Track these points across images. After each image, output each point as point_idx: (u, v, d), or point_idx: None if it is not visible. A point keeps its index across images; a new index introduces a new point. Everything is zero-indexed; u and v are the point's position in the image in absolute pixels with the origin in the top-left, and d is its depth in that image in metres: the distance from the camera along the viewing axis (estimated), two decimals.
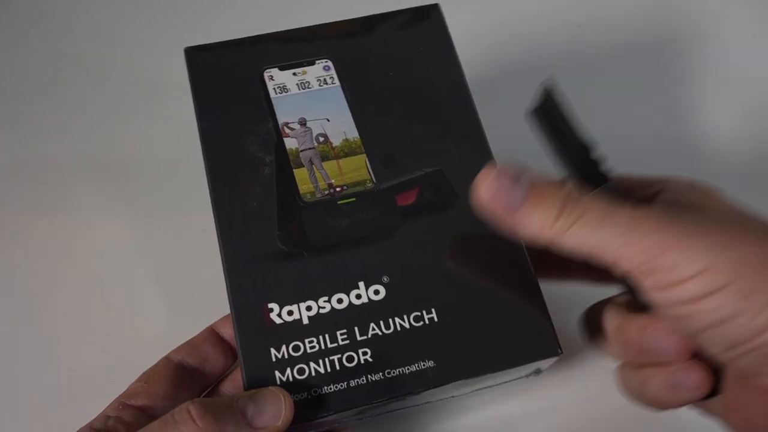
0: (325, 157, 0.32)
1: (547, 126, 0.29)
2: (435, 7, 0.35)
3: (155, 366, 0.33)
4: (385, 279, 0.30)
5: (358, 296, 0.29)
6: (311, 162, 0.32)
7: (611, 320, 0.29)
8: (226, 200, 0.31)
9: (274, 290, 0.29)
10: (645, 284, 0.25)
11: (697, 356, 0.27)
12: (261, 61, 0.34)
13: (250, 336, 0.28)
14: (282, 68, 0.34)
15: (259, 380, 0.28)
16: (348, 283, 0.29)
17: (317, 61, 0.34)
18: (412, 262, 0.30)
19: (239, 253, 0.30)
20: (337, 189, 0.31)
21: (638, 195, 0.30)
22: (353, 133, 0.32)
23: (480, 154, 0.32)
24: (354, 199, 0.31)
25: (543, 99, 0.29)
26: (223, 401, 0.27)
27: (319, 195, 0.31)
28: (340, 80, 0.33)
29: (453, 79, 0.34)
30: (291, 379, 0.28)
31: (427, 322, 0.29)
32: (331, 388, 0.28)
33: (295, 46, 0.34)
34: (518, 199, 0.26)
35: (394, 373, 0.28)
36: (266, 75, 0.33)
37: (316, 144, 0.32)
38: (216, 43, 0.34)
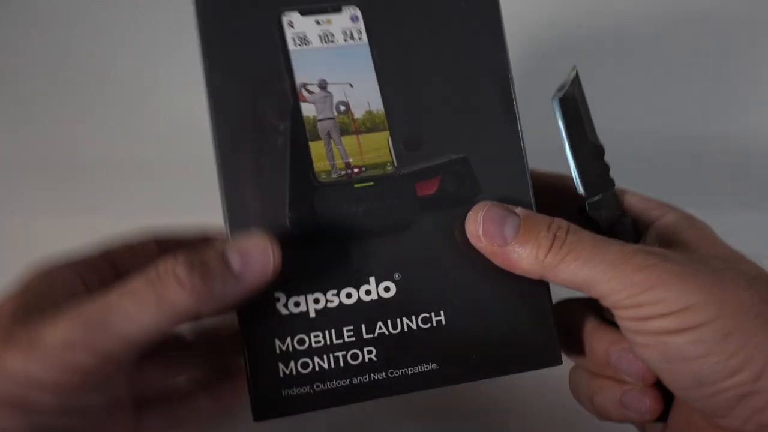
0: (344, 131, 0.29)
1: (571, 116, 0.28)
2: None
3: (140, 238, 0.32)
4: (397, 276, 0.29)
5: (368, 292, 0.28)
6: (329, 135, 0.29)
7: (583, 324, 0.30)
8: (235, 171, 0.28)
9: (282, 278, 0.28)
10: (624, 315, 0.26)
11: (654, 383, 0.28)
12: (279, 0, 0.29)
13: (254, 326, 0.28)
14: (304, 13, 0.29)
15: (262, 372, 0.28)
16: (358, 278, 0.28)
17: (344, 8, 0.30)
18: (425, 259, 0.29)
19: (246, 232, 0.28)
20: (355, 170, 0.29)
21: (639, 217, 0.31)
22: (378, 105, 0.29)
23: (511, 147, 0.30)
24: (372, 183, 0.29)
25: (572, 86, 0.28)
26: (209, 257, 0.26)
27: (335, 175, 0.29)
28: (368, 35, 0.29)
29: (495, 55, 0.30)
30: (294, 372, 0.28)
31: (434, 324, 0.29)
32: (333, 384, 0.28)
33: None
34: (509, 235, 0.27)
35: (397, 373, 0.29)
36: (285, 20, 0.29)
37: (336, 113, 0.29)
38: None
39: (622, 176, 0.44)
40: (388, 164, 0.29)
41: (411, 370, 0.29)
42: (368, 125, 0.29)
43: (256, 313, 0.28)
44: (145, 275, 0.25)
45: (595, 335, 0.30)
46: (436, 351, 0.29)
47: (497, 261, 0.28)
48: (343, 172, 0.29)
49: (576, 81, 0.29)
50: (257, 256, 0.26)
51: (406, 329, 0.29)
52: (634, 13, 0.49)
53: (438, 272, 0.29)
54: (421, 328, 0.29)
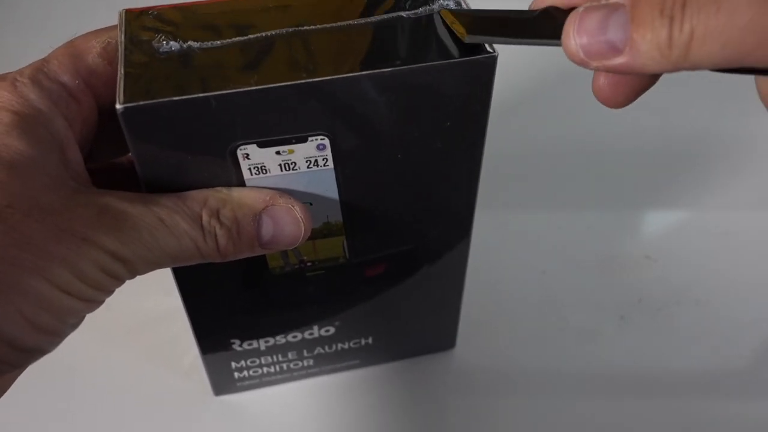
0: None
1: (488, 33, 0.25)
2: (488, 65, 0.24)
3: (114, 34, 0.26)
4: (337, 323, 0.33)
5: (311, 333, 0.33)
6: None
7: None
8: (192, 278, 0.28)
9: (237, 332, 0.32)
10: None
11: None
12: (233, 132, 0.24)
13: (213, 354, 0.33)
14: (262, 145, 0.24)
15: (221, 377, 0.34)
16: (304, 328, 0.33)
17: (310, 138, 0.24)
18: (364, 310, 0.33)
19: (203, 305, 0.30)
20: (308, 264, 0.29)
21: None
22: (336, 217, 0.28)
23: (460, 232, 0.31)
24: (323, 271, 0.30)
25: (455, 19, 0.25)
26: (245, 220, 0.25)
27: (288, 269, 0.29)
28: (335, 162, 0.25)
29: (468, 165, 0.27)
30: (247, 375, 0.34)
31: (363, 344, 0.35)
32: (278, 378, 0.36)
33: (282, 111, 0.23)
34: (619, 39, 0.20)
35: (327, 368, 0.36)
36: (240, 153, 0.24)
37: None
38: (168, 101, 0.22)
39: (622, 176, 0.44)
40: (341, 257, 0.30)
41: (339, 365, 0.36)
42: (325, 233, 0.28)
43: (214, 345, 0.32)
44: (189, 215, 0.24)
45: None
46: (361, 355, 0.36)
47: (621, 74, 0.22)
48: (296, 266, 0.29)
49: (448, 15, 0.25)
50: (288, 227, 0.26)
51: (339, 349, 0.35)
52: None
53: (374, 315, 0.34)
54: (352, 348, 0.35)
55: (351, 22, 0.25)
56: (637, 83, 0.23)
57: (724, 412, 0.36)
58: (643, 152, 0.49)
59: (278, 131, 0.24)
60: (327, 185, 0.26)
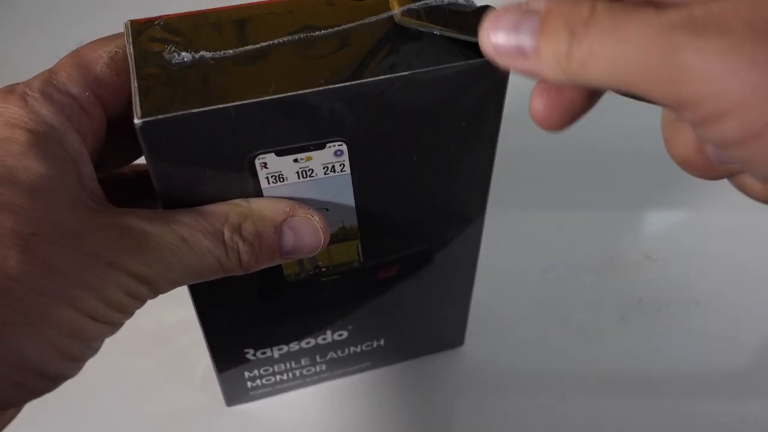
0: None
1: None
2: (499, 85, 0.24)
3: (121, 44, 0.25)
4: (350, 327, 0.33)
5: (324, 339, 0.33)
6: None
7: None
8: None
9: (251, 341, 0.32)
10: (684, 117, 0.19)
11: None
12: (252, 141, 0.23)
13: (227, 365, 0.33)
14: (280, 153, 0.24)
15: (233, 387, 0.34)
16: (317, 333, 0.33)
17: (328, 144, 0.24)
18: (377, 312, 0.33)
19: (217, 315, 0.30)
20: (323, 269, 0.29)
21: None
22: (352, 221, 0.28)
23: (473, 230, 0.31)
24: (338, 276, 0.30)
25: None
26: (267, 232, 0.25)
27: (303, 275, 0.29)
28: (351, 167, 0.25)
29: (481, 164, 0.28)
30: (260, 384, 0.34)
31: (375, 347, 0.35)
32: (291, 384, 0.36)
33: (301, 118, 0.23)
34: (527, 46, 0.20)
35: (339, 372, 0.36)
36: (258, 162, 0.24)
37: None
38: (188, 113, 0.22)
39: (622, 176, 0.44)
40: (355, 261, 0.30)
41: (350, 369, 0.36)
42: (340, 237, 0.28)
43: (228, 356, 0.32)
44: (211, 233, 0.24)
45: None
46: (373, 358, 0.36)
47: (528, 76, 0.21)
48: (312, 272, 0.29)
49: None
50: (308, 237, 0.26)
51: (352, 353, 0.35)
52: None
53: (387, 316, 0.34)
54: (364, 351, 0.35)
55: (360, 22, 0.25)
56: (572, 108, 0.23)
57: (724, 412, 0.36)
58: (643, 152, 0.49)
59: (297, 139, 0.24)
60: (343, 190, 0.26)
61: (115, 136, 0.26)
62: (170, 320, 0.39)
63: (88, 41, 0.26)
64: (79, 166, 0.23)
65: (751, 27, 0.16)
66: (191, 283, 0.25)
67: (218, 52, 0.24)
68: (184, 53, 0.24)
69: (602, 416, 0.36)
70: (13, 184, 0.21)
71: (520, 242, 0.45)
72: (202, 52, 0.24)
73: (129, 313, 0.23)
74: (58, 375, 0.22)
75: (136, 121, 0.22)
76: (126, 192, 0.30)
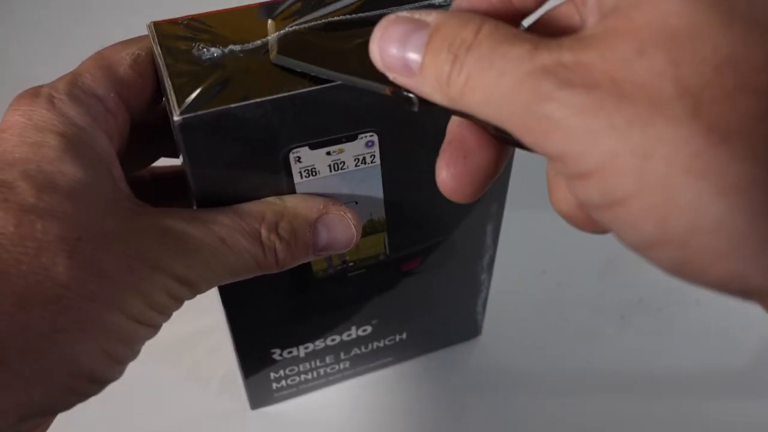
0: None
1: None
2: None
3: (145, 46, 0.25)
4: (374, 321, 0.33)
5: (349, 335, 0.33)
6: None
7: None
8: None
9: (278, 341, 0.32)
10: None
11: None
12: (287, 135, 0.24)
13: (253, 366, 0.33)
14: (314, 147, 0.24)
15: (259, 389, 0.34)
16: (342, 329, 0.33)
17: (360, 136, 0.25)
18: (400, 305, 0.33)
19: (246, 316, 0.30)
20: (350, 264, 0.30)
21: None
22: (380, 213, 0.28)
23: (494, 218, 0.32)
24: (364, 270, 0.30)
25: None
26: (302, 229, 0.25)
27: (331, 271, 0.29)
28: (381, 158, 0.26)
29: None
30: (285, 385, 0.35)
31: (398, 341, 0.35)
32: (313, 384, 0.36)
33: (334, 110, 0.24)
34: (413, 61, 0.19)
35: (362, 368, 0.36)
36: (293, 156, 0.24)
37: None
38: (225, 109, 0.22)
39: None
40: (381, 255, 0.30)
41: (373, 364, 0.37)
42: (368, 230, 0.29)
43: (255, 357, 0.32)
44: (249, 232, 0.24)
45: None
46: (395, 352, 0.36)
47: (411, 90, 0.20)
48: (339, 267, 0.30)
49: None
50: (342, 234, 0.26)
51: (375, 348, 0.35)
52: None
53: (406, 310, 0.34)
54: (387, 345, 0.35)
55: (383, 11, 0.25)
56: (481, 174, 0.21)
57: (724, 412, 0.36)
58: None
59: (330, 131, 0.24)
60: (373, 183, 0.27)
61: (136, 139, 0.26)
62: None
63: (110, 44, 0.26)
64: (110, 167, 0.23)
65: (615, 85, 0.15)
66: (227, 282, 0.25)
67: (247, 44, 0.24)
68: (213, 48, 0.24)
69: (602, 416, 0.36)
70: (53, 191, 0.21)
71: (520, 242, 0.45)
72: (231, 46, 0.24)
73: (168, 315, 0.23)
74: (107, 378, 0.22)
75: (175, 118, 0.22)
76: (145, 195, 0.30)
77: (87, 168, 0.22)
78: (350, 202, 0.27)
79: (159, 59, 0.24)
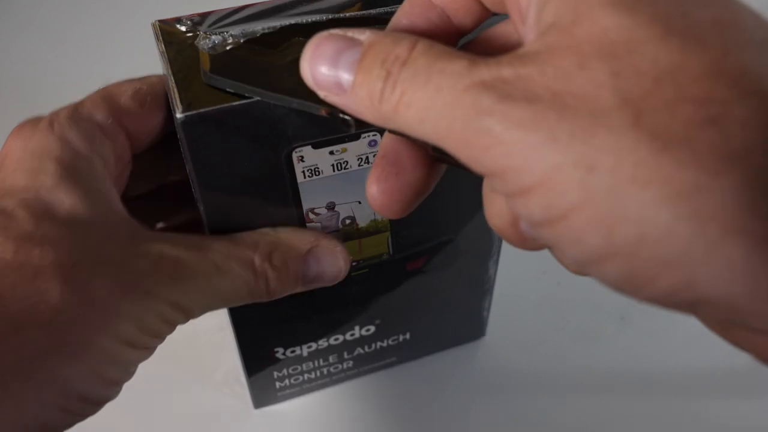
0: (347, 238, 0.28)
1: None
2: None
3: (149, 82, 0.26)
4: (378, 321, 0.33)
5: (352, 334, 0.33)
6: None
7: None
8: None
9: (281, 340, 0.32)
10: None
11: None
12: (290, 135, 0.24)
13: (257, 365, 0.33)
14: (317, 146, 0.24)
15: (262, 389, 0.34)
16: (346, 329, 0.33)
17: (363, 135, 0.25)
18: (404, 305, 0.33)
19: (250, 315, 0.30)
20: (353, 264, 0.30)
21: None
22: None
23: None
24: (367, 270, 0.30)
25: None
26: (293, 261, 0.26)
27: None
28: None
29: None
30: (288, 384, 0.34)
31: (401, 340, 0.35)
32: (316, 384, 0.36)
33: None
34: (344, 80, 0.18)
35: (365, 368, 0.36)
36: (295, 156, 0.24)
37: (341, 226, 0.28)
38: (228, 106, 0.22)
39: None
40: (385, 255, 0.30)
41: (376, 364, 0.36)
42: (371, 230, 0.29)
43: (258, 356, 0.32)
44: (242, 260, 0.25)
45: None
46: (398, 352, 0.36)
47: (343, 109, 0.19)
48: None
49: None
50: (331, 266, 0.27)
51: (378, 348, 0.35)
52: None
53: (412, 309, 0.34)
54: (390, 345, 0.35)
55: (387, 8, 0.25)
56: (411, 191, 0.21)
57: (724, 412, 0.36)
58: None
59: (333, 130, 0.24)
60: None
61: (140, 164, 0.27)
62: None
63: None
64: (106, 191, 0.24)
65: (556, 97, 0.15)
66: (221, 308, 0.25)
67: (248, 28, 0.24)
68: (213, 36, 0.24)
69: (601, 416, 0.36)
70: (51, 218, 0.22)
71: None
72: (231, 30, 0.24)
73: (162, 338, 0.24)
74: (101, 399, 0.23)
75: (178, 115, 0.22)
76: (150, 214, 0.31)
77: (83, 194, 0.23)
78: (353, 201, 0.27)
79: (164, 57, 0.24)
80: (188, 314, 0.24)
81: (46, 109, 0.25)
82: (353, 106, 0.18)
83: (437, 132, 0.17)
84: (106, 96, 0.25)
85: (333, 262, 0.27)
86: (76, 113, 0.24)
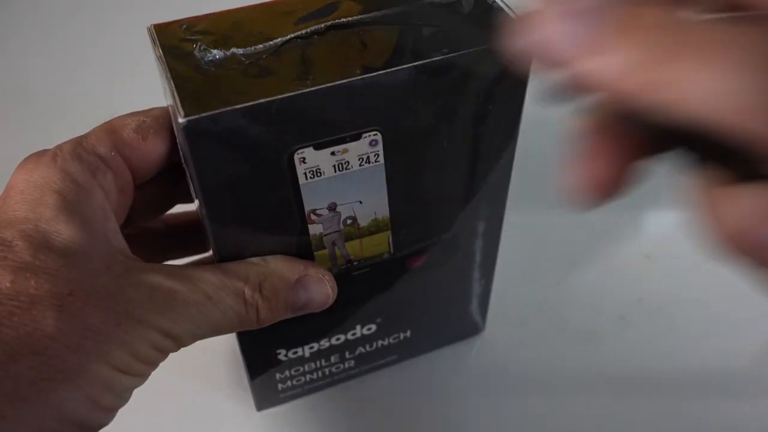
0: (349, 237, 0.29)
1: None
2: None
3: (152, 114, 0.27)
4: (379, 320, 0.34)
5: (354, 334, 0.34)
6: (334, 244, 0.29)
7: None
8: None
9: (283, 341, 0.32)
10: None
11: None
12: (291, 136, 0.24)
13: (259, 367, 0.33)
14: (318, 147, 0.25)
15: (264, 391, 0.35)
16: (347, 328, 0.33)
17: (364, 135, 0.26)
18: (405, 303, 0.34)
19: None
20: (354, 263, 0.30)
21: None
22: (384, 212, 0.29)
23: (496, 214, 0.32)
24: (368, 269, 0.31)
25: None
26: (282, 291, 0.27)
27: (335, 270, 0.30)
28: (385, 157, 0.27)
29: (503, 154, 0.29)
30: (290, 385, 0.35)
31: (401, 339, 0.36)
32: (318, 384, 0.36)
33: (339, 110, 0.24)
34: (595, 37, 0.16)
35: (366, 367, 0.37)
36: (297, 157, 0.25)
37: (342, 227, 0.28)
38: (230, 110, 0.22)
39: None
40: (386, 253, 0.31)
41: (377, 363, 0.37)
42: (372, 230, 0.29)
43: (260, 358, 0.33)
44: (233, 290, 0.26)
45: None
46: (399, 350, 0.37)
47: (566, 73, 0.16)
48: (344, 267, 0.30)
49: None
50: (319, 295, 0.28)
51: (380, 346, 0.35)
52: None
53: (412, 307, 0.34)
54: (391, 344, 0.36)
55: (385, 11, 0.26)
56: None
57: (724, 412, 0.36)
58: None
59: (334, 131, 0.25)
60: (376, 182, 0.27)
61: (144, 194, 0.28)
62: None
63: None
64: (104, 222, 0.25)
65: None
66: (211, 336, 0.26)
67: (249, 48, 0.24)
68: (214, 50, 0.24)
69: (601, 416, 0.36)
70: (49, 249, 0.23)
71: (520, 242, 0.45)
72: (233, 49, 0.24)
73: (155, 365, 0.25)
74: (95, 425, 0.23)
75: (180, 120, 0.22)
76: (157, 245, 0.32)
77: (81, 226, 0.24)
78: (354, 201, 0.28)
79: (161, 61, 0.24)
80: (179, 342, 0.25)
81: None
82: (596, 69, 0.15)
83: (727, 115, 0.14)
84: (110, 129, 0.26)
85: (321, 290, 0.28)
86: (79, 146, 0.25)
